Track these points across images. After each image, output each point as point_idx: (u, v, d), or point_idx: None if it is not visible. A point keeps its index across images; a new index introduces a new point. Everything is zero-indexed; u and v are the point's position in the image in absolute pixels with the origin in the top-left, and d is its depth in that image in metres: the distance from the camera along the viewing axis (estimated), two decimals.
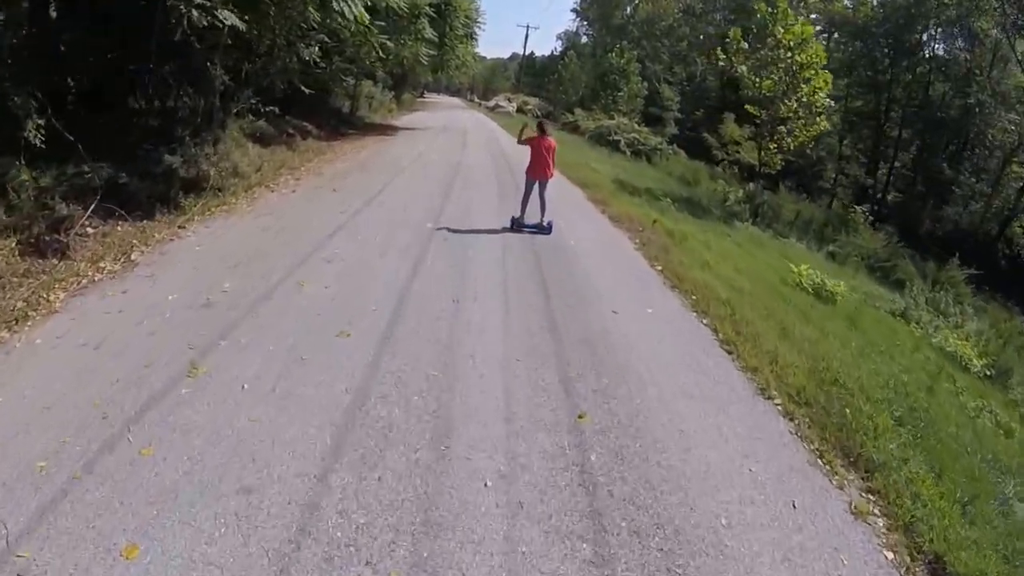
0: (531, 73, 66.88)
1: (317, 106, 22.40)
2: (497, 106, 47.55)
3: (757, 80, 16.19)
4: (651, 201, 13.12)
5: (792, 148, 16.43)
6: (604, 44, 66.46)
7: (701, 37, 54.43)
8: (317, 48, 14.72)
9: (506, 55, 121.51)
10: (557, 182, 13.27)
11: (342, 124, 23.11)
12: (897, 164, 35.55)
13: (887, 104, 32.24)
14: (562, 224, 9.07)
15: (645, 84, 35.18)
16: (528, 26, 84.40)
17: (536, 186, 8.57)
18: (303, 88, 17.45)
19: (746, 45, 16.76)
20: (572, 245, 8.22)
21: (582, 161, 18.00)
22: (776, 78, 15.85)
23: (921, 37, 33.85)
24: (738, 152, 24.60)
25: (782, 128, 15.86)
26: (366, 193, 10.30)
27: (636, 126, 27.92)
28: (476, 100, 71.33)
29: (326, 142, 18.26)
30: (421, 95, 74.05)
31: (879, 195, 32.02)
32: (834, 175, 38.25)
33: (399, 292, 5.72)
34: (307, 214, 8.50)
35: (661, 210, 12.29)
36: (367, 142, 18.93)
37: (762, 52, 16.10)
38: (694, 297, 6.55)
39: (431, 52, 20.56)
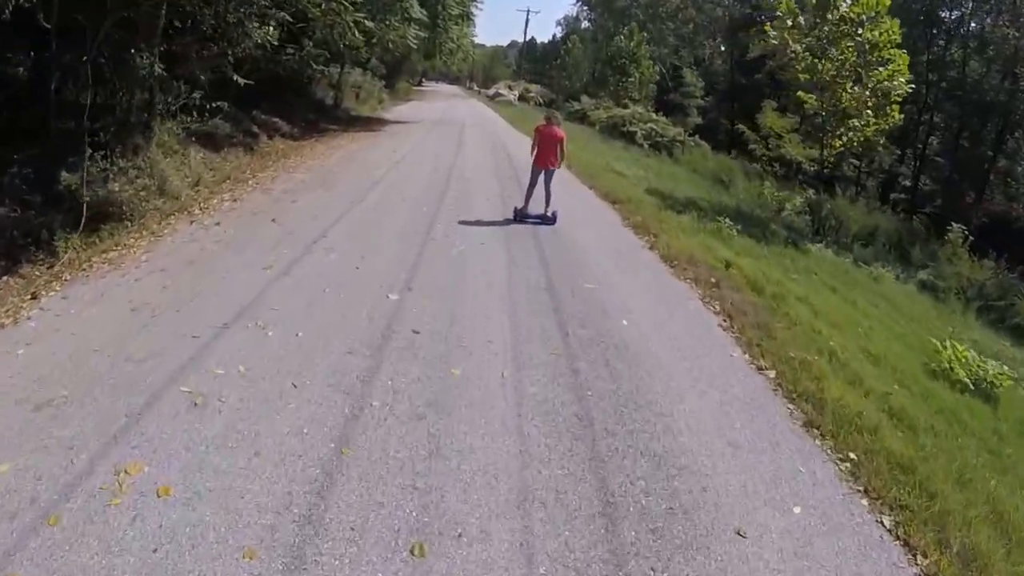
0: (532, 59, 63.21)
1: (295, 98, 19.27)
2: (497, 94, 44.10)
3: (817, 62, 12.94)
4: (701, 218, 10.01)
5: (858, 144, 13.25)
6: (607, 29, 62.87)
7: (708, 20, 50.88)
8: (273, 28, 11.55)
9: (505, 42, 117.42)
10: (582, 197, 10.27)
11: (323, 118, 20.02)
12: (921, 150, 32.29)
13: (926, 86, 28.87)
14: (608, 283, 6.03)
15: (657, 68, 31.78)
16: (528, 11, 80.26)
17: (542, 175, 8.22)
18: (280, 76, 14.43)
19: (801, 21, 13.46)
20: (632, 341, 4.89)
21: (601, 162, 14.83)
22: (843, 59, 12.61)
23: (959, 13, 30.50)
24: (780, 147, 21.31)
25: (853, 121, 12.63)
26: (315, 226, 7.22)
27: (654, 115, 24.65)
28: (476, 88, 67.72)
29: (297, 141, 15.22)
30: (419, 83, 70.47)
31: (909, 183, 28.75)
32: (857, 162, 34.96)
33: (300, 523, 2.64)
34: (212, 273, 5.42)
35: (718, 230, 9.19)
36: (345, 140, 15.82)
37: (825, 28, 12.82)
38: (879, 494, 3.35)
39: (421, 34, 17.32)
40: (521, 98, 43.34)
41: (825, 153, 13.13)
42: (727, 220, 9.60)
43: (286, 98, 18.65)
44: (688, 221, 9.26)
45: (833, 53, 12.72)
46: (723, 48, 51.92)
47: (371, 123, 21.24)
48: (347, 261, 6.04)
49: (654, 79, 31.05)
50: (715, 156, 23.95)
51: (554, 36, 67.54)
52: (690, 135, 24.48)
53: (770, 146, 21.71)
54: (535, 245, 7.14)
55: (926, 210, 24.26)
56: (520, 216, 8.17)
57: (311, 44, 13.91)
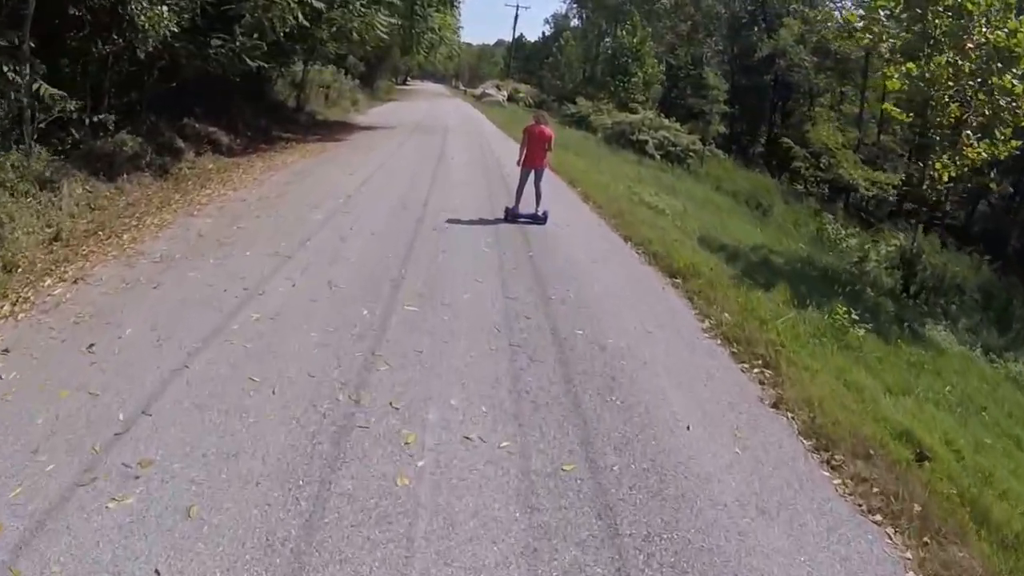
0: (521, 58, 59.42)
1: (245, 101, 15.48)
2: (485, 94, 40.29)
3: (921, 66, 9.34)
4: (805, 300, 6.46)
5: (970, 168, 9.72)
6: (598, 26, 59.19)
7: (706, 17, 47.41)
8: (169, 10, 7.87)
9: (492, 41, 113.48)
10: (624, 262, 6.61)
11: (279, 124, 16.28)
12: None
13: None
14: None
15: (662, 67, 28.22)
16: (518, 6, 76.22)
17: (531, 175, 7.86)
18: (228, 76, 10.85)
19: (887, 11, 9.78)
20: None
21: (622, 187, 11.24)
22: (958, 61, 9.03)
23: None
24: (836, 166, 17.66)
25: (970, 134, 9.04)
26: (170, 350, 3.52)
27: (665, 121, 21.09)
28: (462, 87, 63.81)
29: (235, 157, 11.59)
30: (404, 82, 66.43)
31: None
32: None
33: None
34: None
35: (840, 332, 5.63)
36: (296, 155, 12.14)
37: (937, 21, 9.21)
38: None
39: (393, 22, 13.62)
40: (510, 98, 39.60)
41: (934, 181, 9.51)
42: (842, 304, 6.03)
43: (235, 101, 14.90)
44: (795, 317, 5.63)
45: (948, 53, 9.12)
46: (721, 47, 48.68)
47: (337, 130, 17.45)
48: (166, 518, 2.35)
49: (659, 79, 27.49)
50: (736, 168, 20.42)
51: (543, 34, 63.74)
52: (705, 144, 20.92)
53: (822, 165, 18.06)
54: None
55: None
56: (511, 216, 7.84)
57: (241, 32, 10.14)
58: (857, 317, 6.06)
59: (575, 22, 62.48)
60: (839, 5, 37.72)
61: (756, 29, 44.38)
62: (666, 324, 4.98)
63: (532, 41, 67.30)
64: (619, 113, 21.92)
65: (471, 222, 7.43)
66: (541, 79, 46.42)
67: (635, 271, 6.30)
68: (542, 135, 7.90)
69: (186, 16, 9.09)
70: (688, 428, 3.54)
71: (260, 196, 8.31)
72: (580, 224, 7.89)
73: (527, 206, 7.89)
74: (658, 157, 19.53)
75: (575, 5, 63.54)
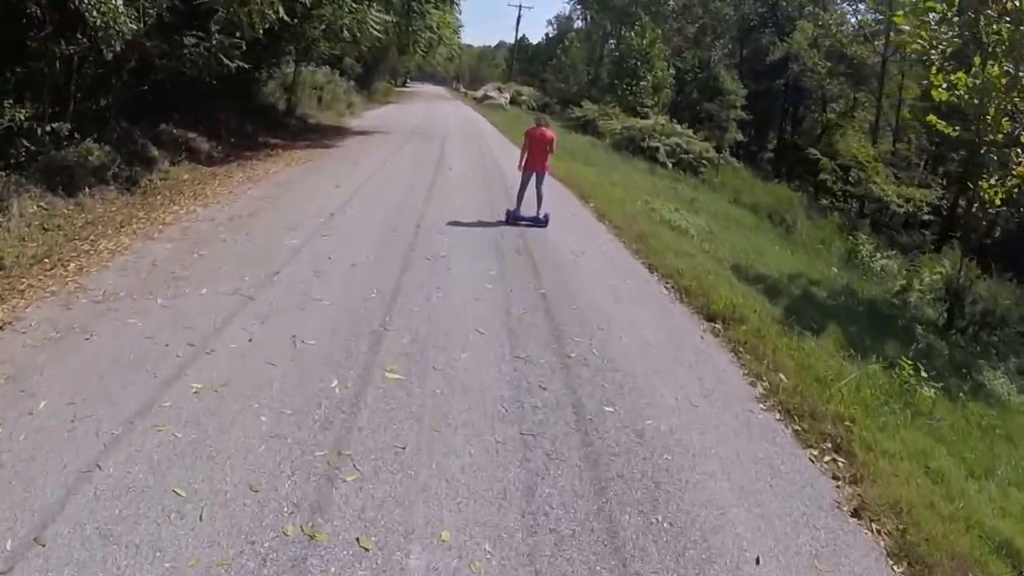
0: (523, 60, 58.61)
1: (232, 105, 14.62)
2: (486, 97, 39.41)
3: (973, 74, 8.39)
4: (847, 340, 5.56)
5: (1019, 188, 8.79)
6: (603, 28, 58.37)
7: (714, 19, 46.58)
8: (125, 5, 6.99)
9: (493, 43, 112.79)
10: (659, 310, 5.59)
11: (267, 129, 15.42)
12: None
13: None
14: None
15: (672, 71, 27.33)
16: (521, 6, 75.32)
17: (532, 179, 7.88)
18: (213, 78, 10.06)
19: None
20: None
21: (638, 201, 10.31)
22: (1015, 72, 8.09)
23: None
24: (867, 181, 16.66)
25: None
26: (85, 438, 2.54)
27: (677, 127, 20.18)
28: (462, 90, 63.00)
29: (214, 167, 10.80)
30: (403, 84, 65.64)
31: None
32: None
33: None
34: None
35: (910, 396, 4.73)
36: (280, 164, 11.27)
37: (992, 27, 8.28)
38: None
39: (387, 19, 12.72)
40: (512, 101, 38.72)
41: (983, 204, 8.55)
42: (906, 361, 5.10)
43: (220, 105, 14.03)
44: (858, 375, 4.71)
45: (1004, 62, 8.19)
46: (728, 50, 47.82)
47: (329, 135, 16.55)
48: None
49: (669, 83, 26.59)
50: (752, 177, 19.49)
51: (546, 35, 62.95)
52: (719, 151, 19.98)
53: (851, 179, 17.03)
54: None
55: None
56: (512, 218, 7.92)
57: (218, 30, 9.23)
58: (924, 373, 5.16)
59: (579, 23, 61.79)
60: (854, 8, 36.95)
61: (767, 32, 43.64)
62: (713, 391, 4.05)
63: (535, 43, 66.61)
64: (628, 118, 21.00)
65: (472, 249, 6.50)
66: (544, 82, 45.58)
67: (667, 313, 5.36)
68: (543, 138, 7.88)
69: (151, 12, 8.21)
70: (758, 562, 2.62)
71: (232, 214, 7.40)
72: (598, 251, 6.97)
73: (528, 208, 7.91)
74: (670, 165, 18.62)
75: (579, 6, 62.93)
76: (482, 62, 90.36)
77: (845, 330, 6.25)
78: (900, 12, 8.32)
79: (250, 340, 4.06)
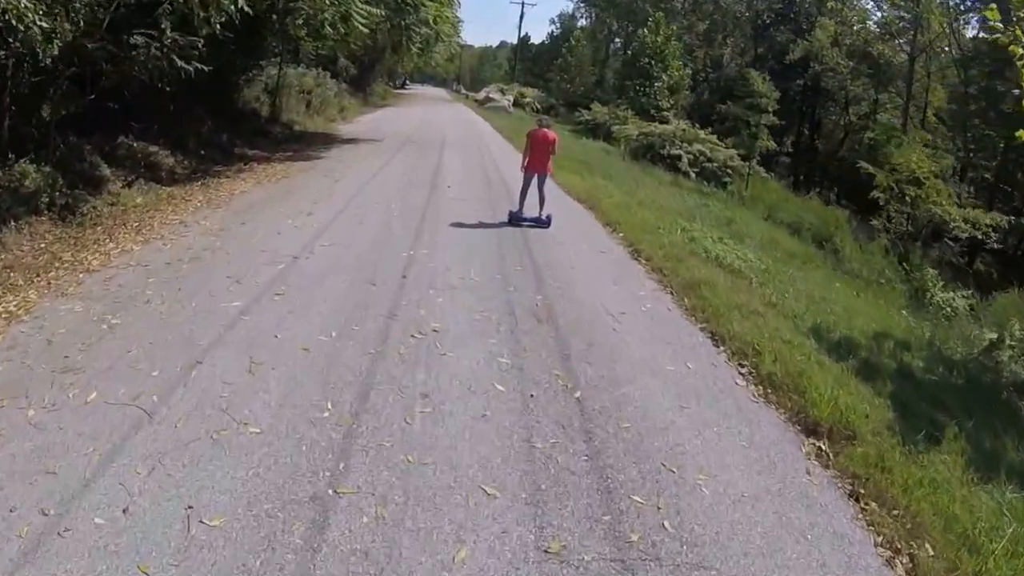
0: (526, 60, 57.09)
1: (206, 111, 13.15)
2: (488, 99, 37.82)
3: None
4: (974, 450, 3.98)
5: None
6: (608, 26, 56.81)
7: (725, 16, 44.96)
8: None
9: (494, 43, 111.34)
10: (717, 390, 4.03)
11: (245, 138, 13.89)
12: None
13: None
14: None
15: (688, 70, 25.72)
16: (523, 3, 73.49)
17: (535, 179, 7.94)
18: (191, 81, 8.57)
19: None
20: None
21: (677, 231, 8.69)
22: None
23: None
24: (923, 200, 14.91)
25: None
26: None
27: (700, 132, 18.56)
28: (463, 92, 61.51)
29: (175, 186, 9.41)
30: (402, 86, 64.23)
31: None
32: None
33: None
34: None
35: None
36: (251, 182, 9.87)
37: None
38: None
39: (374, 11, 11.14)
40: (516, 103, 37.16)
41: None
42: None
43: (192, 113, 12.55)
44: (1016, 533, 3.11)
45: None
46: (741, 48, 46.18)
47: (315, 144, 14.99)
48: None
49: (686, 83, 24.97)
50: (782, 188, 17.85)
51: (551, 33, 61.47)
52: (745, 160, 18.33)
53: (907, 197, 15.21)
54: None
55: None
56: (515, 219, 7.95)
57: (169, 28, 7.65)
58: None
59: (582, 22, 60.28)
60: (877, 4, 35.19)
61: (783, 29, 42.01)
62: None
63: (538, 42, 65.19)
64: (646, 123, 19.38)
65: (475, 315, 4.88)
66: (549, 82, 44.03)
67: (752, 425, 3.72)
68: (545, 139, 7.90)
69: (80, 7, 6.70)
70: None
71: (173, 257, 5.84)
72: (641, 310, 5.34)
73: (531, 210, 7.95)
74: (693, 176, 17.01)
75: (583, 4, 61.39)
76: (483, 63, 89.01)
77: (960, 423, 4.66)
78: (993, 5, 6.63)
79: (124, 511, 2.48)
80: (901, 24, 32.20)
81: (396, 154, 13.47)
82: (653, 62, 24.60)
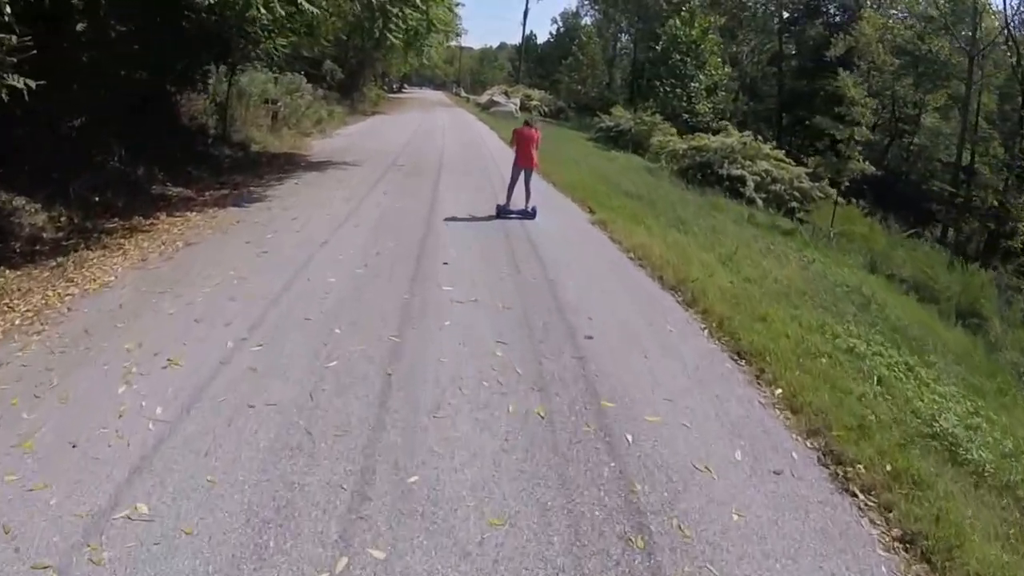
0: (531, 60, 53.22)
1: (133, 134, 9.45)
2: (492, 103, 33.90)
3: None
4: None
5: None
6: (614, 23, 52.95)
7: (749, 11, 41.02)
8: None
9: (494, 44, 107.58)
10: None
11: (178, 168, 10.30)
12: None
13: None
14: None
15: (728, 69, 21.86)
16: None
17: (522, 174, 8.33)
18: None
19: None
20: None
21: (809, 319, 4.80)
22: None
23: None
24: None
25: None
26: None
27: (764, 147, 14.70)
28: (463, 94, 57.65)
29: (21, 269, 4.96)
30: (399, 89, 60.44)
31: None
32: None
33: None
34: None
35: None
36: (138, 256, 5.88)
37: None
38: None
39: None
40: (522, 107, 33.31)
41: None
42: None
43: (100, 139, 9.05)
44: None
45: None
46: (760, 45, 42.26)
47: (270, 171, 11.17)
48: None
49: (726, 84, 21.10)
50: (870, 220, 13.92)
51: (556, 31, 57.59)
52: (835, 186, 14.37)
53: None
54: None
55: None
56: (503, 212, 8.28)
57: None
58: None
59: (586, 20, 56.40)
60: None
61: (817, 24, 38.07)
62: None
63: (542, 42, 61.40)
64: (694, 134, 15.45)
65: None
66: (556, 83, 40.17)
67: None
68: (531, 137, 8.37)
69: None
70: None
71: None
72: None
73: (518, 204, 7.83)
74: (760, 203, 13.19)
75: (587, 1, 57.52)
76: (483, 64, 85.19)
77: None
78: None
79: None
80: (950, 19, 28.19)
81: (373, 189, 9.56)
82: (688, 59, 20.69)
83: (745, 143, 14.25)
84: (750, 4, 40.83)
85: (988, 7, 27.39)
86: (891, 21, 29.05)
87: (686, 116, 21.32)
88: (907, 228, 24.51)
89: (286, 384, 3.52)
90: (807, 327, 5.23)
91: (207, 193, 9.27)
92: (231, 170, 11.23)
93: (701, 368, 4.16)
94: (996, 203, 24.55)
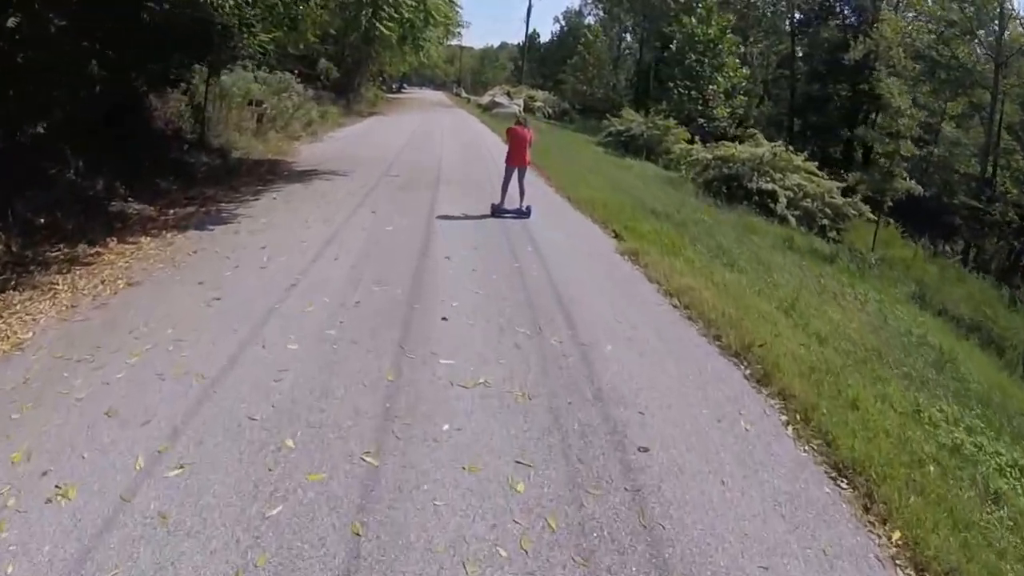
0: (533, 60, 51.93)
1: (96, 141, 8.19)
2: (495, 104, 32.63)
3: None
4: None
5: None
6: (620, 23, 51.69)
7: (759, 11, 39.77)
8: None
9: (495, 43, 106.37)
10: None
11: (148, 176, 9.29)
12: None
13: None
14: None
15: (746, 70, 20.65)
16: None
17: (515, 173, 8.40)
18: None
19: None
20: None
21: (901, 401, 3.57)
22: None
23: None
24: None
25: None
26: None
27: (796, 159, 13.46)
28: (464, 94, 56.38)
29: None
30: (398, 89, 59.16)
31: None
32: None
33: None
34: None
35: None
36: (68, 301, 4.49)
37: None
38: None
39: None
40: (526, 108, 32.07)
41: None
42: None
43: (56, 149, 7.82)
44: None
45: None
46: (775, 47, 41.03)
47: (248, 182, 9.96)
48: None
49: (743, 86, 19.87)
50: (913, 243, 12.70)
51: (552, 35, 56.38)
52: (878, 206, 13.11)
53: None
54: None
55: None
56: (497, 211, 8.33)
57: None
58: None
59: (590, 19, 55.10)
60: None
61: (832, 25, 36.79)
62: None
63: (544, 41, 60.19)
64: (726, 145, 14.19)
65: None
66: (561, 84, 38.90)
67: None
68: (524, 135, 8.43)
69: None
70: None
71: None
72: None
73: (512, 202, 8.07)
74: (793, 221, 11.97)
75: (590, 0, 56.23)
76: (484, 64, 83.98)
77: None
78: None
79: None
80: (974, 23, 26.90)
81: (360, 206, 8.29)
82: (704, 59, 19.43)
83: (776, 154, 13.00)
84: (758, 4, 39.65)
85: (1013, 14, 26.20)
86: (910, 25, 27.77)
87: (702, 121, 20.07)
88: (930, 244, 23.31)
89: (204, 554, 2.29)
90: (901, 411, 4.06)
91: (172, 211, 8.05)
92: (205, 181, 10.01)
93: (795, 499, 2.93)
94: (1018, 218, 23.52)
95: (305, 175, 10.65)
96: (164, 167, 10.27)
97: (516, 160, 8.33)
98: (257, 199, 8.52)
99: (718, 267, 6.59)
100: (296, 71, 24.23)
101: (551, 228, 7.81)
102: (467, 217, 8.10)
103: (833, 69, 36.82)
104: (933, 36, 29.45)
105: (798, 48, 38.92)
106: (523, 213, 8.25)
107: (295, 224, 7.10)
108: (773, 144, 13.47)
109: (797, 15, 38.28)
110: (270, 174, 10.64)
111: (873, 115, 34.78)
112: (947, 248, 26.75)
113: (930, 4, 28.36)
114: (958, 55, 27.88)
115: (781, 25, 40.84)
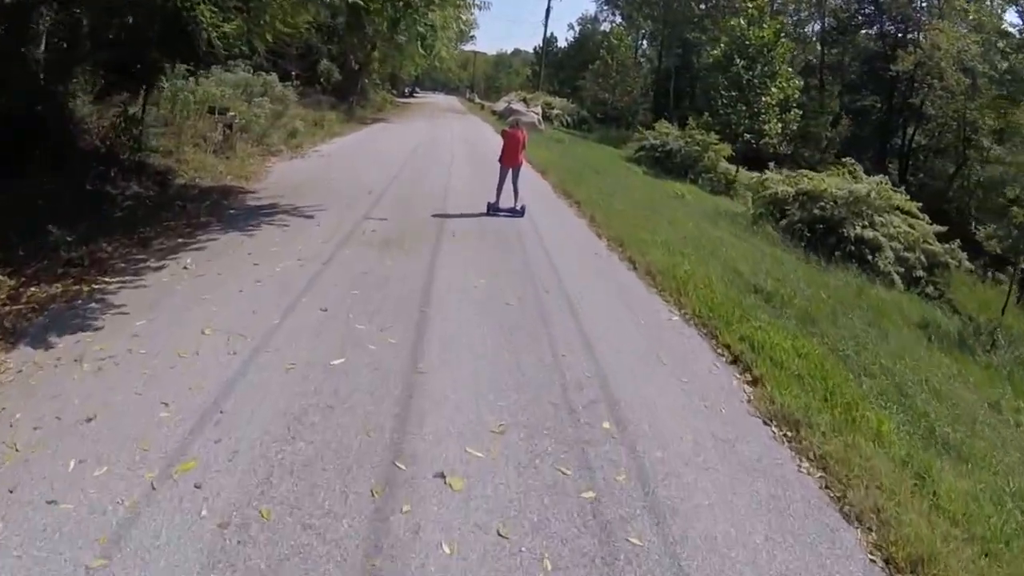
0: (549, 66, 48.63)
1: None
2: (510, 111, 29.37)
3: None
4: None
5: None
6: (639, 29, 48.23)
7: (793, 17, 36.26)
8: None
9: (508, 49, 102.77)
10: None
11: (45, 218, 5.76)
12: None
13: None
14: None
15: (799, 82, 17.42)
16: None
17: (509, 173, 8.33)
18: None
19: None
20: None
21: None
22: None
23: None
24: None
25: None
26: None
27: (896, 195, 10.25)
28: (477, 100, 53.15)
29: None
30: (410, 94, 56.04)
31: None
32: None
33: None
34: None
35: None
36: None
37: None
38: None
39: None
40: (544, 116, 28.88)
41: None
42: None
43: None
44: None
45: None
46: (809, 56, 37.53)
47: (170, 232, 6.79)
48: None
49: (796, 97, 16.63)
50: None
51: (567, 40, 53.05)
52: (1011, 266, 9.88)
53: None
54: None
55: None
56: (492, 210, 8.27)
57: None
58: None
59: (606, 26, 51.66)
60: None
61: (873, 32, 33.36)
62: None
63: (562, 46, 56.89)
64: (811, 175, 10.93)
65: None
66: (579, 91, 35.63)
67: None
68: (517, 138, 8.46)
69: None
70: None
71: None
72: None
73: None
74: (897, 279, 8.83)
75: (606, 6, 52.78)
76: (498, 70, 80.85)
77: None
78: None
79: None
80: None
81: (312, 285, 5.14)
82: (757, 65, 16.18)
83: (879, 187, 9.77)
84: (782, 8, 36.12)
85: None
86: (972, 33, 24.31)
87: (748, 136, 16.84)
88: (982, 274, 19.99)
89: None
90: None
91: (29, 289, 4.96)
92: (119, 224, 6.90)
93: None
94: None
95: (256, 214, 7.54)
96: (79, 202, 7.29)
97: (510, 160, 8.33)
98: (161, 267, 5.41)
99: (931, 455, 3.41)
100: (295, 72, 21.22)
101: (646, 371, 4.51)
102: (488, 315, 4.87)
103: (869, 80, 33.40)
104: (980, 48, 25.93)
105: (827, 57, 35.58)
106: (516, 212, 8.23)
107: (183, 341, 3.96)
108: (879, 179, 10.26)
109: (831, 21, 34.91)
110: (211, 213, 7.53)
111: (911, 129, 31.41)
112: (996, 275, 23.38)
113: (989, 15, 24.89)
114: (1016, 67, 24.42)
115: (805, 33, 37.49)
